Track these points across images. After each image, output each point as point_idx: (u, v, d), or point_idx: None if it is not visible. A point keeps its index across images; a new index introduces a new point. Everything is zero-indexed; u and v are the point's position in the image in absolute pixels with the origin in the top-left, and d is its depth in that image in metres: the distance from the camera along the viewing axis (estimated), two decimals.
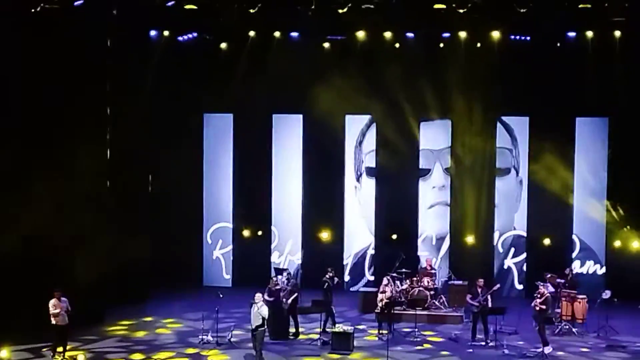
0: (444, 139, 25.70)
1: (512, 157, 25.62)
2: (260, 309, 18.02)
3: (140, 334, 20.95)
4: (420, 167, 25.81)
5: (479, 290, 20.22)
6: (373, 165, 26.11)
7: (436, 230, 25.78)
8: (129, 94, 23.06)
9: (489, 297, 20.12)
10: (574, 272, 23.13)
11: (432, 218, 25.84)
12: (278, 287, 20.77)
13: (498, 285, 21.25)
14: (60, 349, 18.26)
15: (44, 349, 18.73)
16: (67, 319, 18.19)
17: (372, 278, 25.75)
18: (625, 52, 23.33)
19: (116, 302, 22.47)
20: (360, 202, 26.29)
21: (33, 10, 19.54)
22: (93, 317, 21.37)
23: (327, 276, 21.44)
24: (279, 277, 21.90)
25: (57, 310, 17.99)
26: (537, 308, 19.53)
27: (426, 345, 20.17)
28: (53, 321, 18.07)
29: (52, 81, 20.56)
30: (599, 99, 24.19)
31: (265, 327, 18.24)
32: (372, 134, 26.14)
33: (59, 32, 20.48)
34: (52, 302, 18.08)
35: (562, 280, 21.68)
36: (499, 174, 25.54)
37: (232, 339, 20.06)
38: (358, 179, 26.35)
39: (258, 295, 18.34)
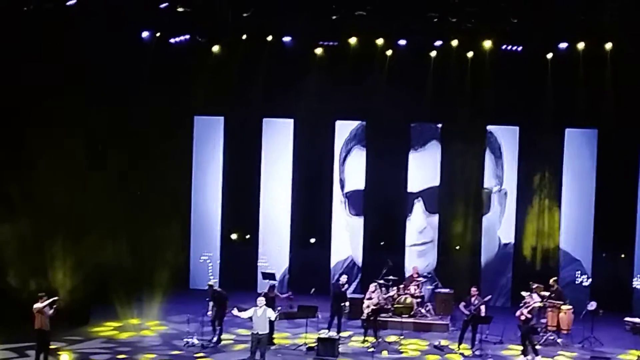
0: (431, 170, 25.70)
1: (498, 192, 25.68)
2: (266, 312, 17.92)
3: (125, 335, 20.90)
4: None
5: (472, 298, 20.25)
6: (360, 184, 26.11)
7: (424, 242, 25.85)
8: (120, 95, 23.03)
9: (482, 306, 20.14)
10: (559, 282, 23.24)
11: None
12: (273, 294, 20.73)
13: (490, 297, 21.31)
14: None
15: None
16: (49, 325, 17.98)
17: (358, 285, 25.72)
18: (615, 64, 23.42)
19: (102, 303, 22.40)
20: (347, 214, 26.32)
21: (25, 9, 19.49)
22: (78, 318, 21.34)
23: (340, 282, 21.51)
24: (274, 283, 21.83)
25: (44, 309, 17.82)
26: (523, 317, 19.59)
27: (411, 354, 20.19)
28: (36, 325, 17.83)
29: (43, 81, 20.54)
30: (588, 110, 24.30)
31: (269, 330, 18.21)
32: (359, 156, 26.09)
33: (51, 32, 20.44)
34: (36, 305, 17.93)
35: (548, 293, 21.74)
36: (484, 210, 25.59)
37: (219, 343, 20.10)
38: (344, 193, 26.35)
39: (261, 299, 18.24)
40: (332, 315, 21.12)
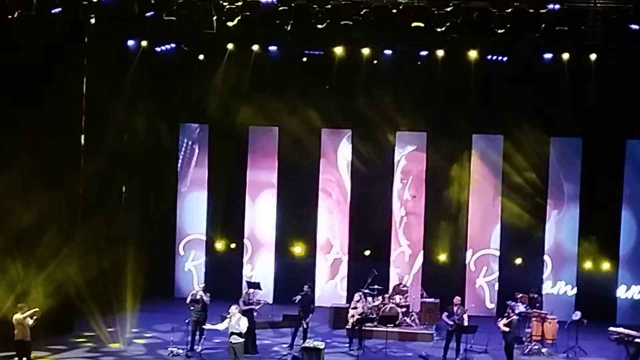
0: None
1: None
2: (239, 322, 17.81)
3: (109, 344, 20.82)
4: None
5: (455, 308, 20.26)
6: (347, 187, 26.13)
7: (409, 248, 25.78)
8: (105, 103, 23.01)
9: (464, 316, 20.16)
10: (543, 292, 23.31)
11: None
12: (249, 305, 20.66)
13: (473, 305, 21.41)
14: None
15: None
16: (29, 335, 17.83)
17: (344, 294, 25.69)
18: (599, 74, 23.56)
19: (86, 312, 22.30)
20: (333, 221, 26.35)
21: (10, 17, 19.42)
22: (62, 327, 21.25)
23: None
24: (254, 291, 21.73)
25: (24, 320, 17.72)
26: (501, 329, 19.63)
27: None
28: (16, 336, 17.69)
29: (28, 90, 20.51)
30: (573, 119, 24.44)
31: (244, 339, 18.13)
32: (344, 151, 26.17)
33: (36, 40, 20.41)
34: (16, 316, 17.82)
35: (526, 304, 21.81)
36: None
37: (202, 351, 20.08)
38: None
39: (233, 308, 18.12)
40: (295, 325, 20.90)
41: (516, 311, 20.50)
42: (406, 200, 25.75)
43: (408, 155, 25.76)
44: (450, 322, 20.13)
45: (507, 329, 19.48)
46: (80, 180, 22.26)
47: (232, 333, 17.76)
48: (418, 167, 25.65)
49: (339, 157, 26.16)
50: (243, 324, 17.82)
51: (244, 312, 18.66)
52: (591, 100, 23.94)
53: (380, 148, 25.93)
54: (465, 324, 20.12)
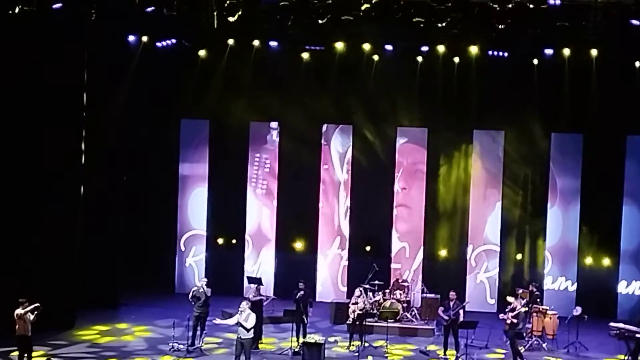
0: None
1: None
2: (248, 318, 17.87)
3: (111, 340, 20.85)
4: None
5: (451, 303, 20.29)
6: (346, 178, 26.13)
7: (410, 244, 25.80)
8: (105, 99, 23.03)
9: (460, 311, 20.19)
10: (544, 288, 23.27)
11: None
12: (259, 297, 20.69)
13: (468, 302, 21.44)
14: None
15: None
16: (30, 330, 17.86)
17: (344, 289, 25.71)
18: (600, 70, 23.53)
19: (87, 308, 22.34)
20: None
21: (10, 12, 19.43)
22: (63, 322, 21.28)
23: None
24: (261, 287, 21.72)
25: (25, 316, 17.74)
26: (509, 322, 19.68)
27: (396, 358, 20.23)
28: (18, 331, 17.72)
29: (27, 84, 20.53)
30: (574, 115, 24.43)
31: (252, 335, 18.20)
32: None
33: (37, 36, 20.42)
34: (17, 311, 17.83)
35: (526, 300, 21.78)
36: None
37: (203, 347, 20.12)
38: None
39: (244, 304, 18.19)
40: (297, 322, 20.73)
41: (522, 302, 20.47)
42: (396, 192, 25.77)
43: (399, 148, 25.80)
44: (446, 317, 20.16)
45: (515, 320, 19.54)
46: (81, 176, 22.28)
47: (242, 328, 17.84)
48: (409, 159, 25.71)
49: (338, 152, 26.13)
50: (251, 320, 17.93)
51: (253, 308, 18.65)
52: (592, 96, 23.96)
53: (381, 143, 25.90)
54: (461, 319, 20.12)
